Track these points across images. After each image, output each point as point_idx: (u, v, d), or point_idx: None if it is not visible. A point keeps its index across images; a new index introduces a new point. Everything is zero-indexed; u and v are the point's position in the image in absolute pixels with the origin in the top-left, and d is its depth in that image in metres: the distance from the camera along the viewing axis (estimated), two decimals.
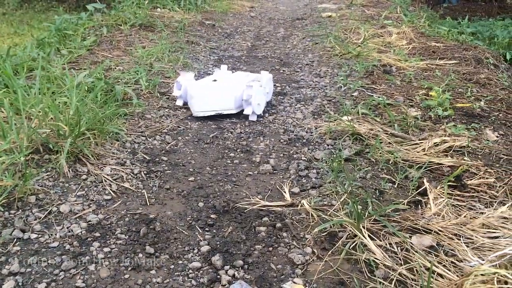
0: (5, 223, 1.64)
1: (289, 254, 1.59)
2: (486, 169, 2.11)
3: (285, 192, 1.98)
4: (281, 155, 2.36)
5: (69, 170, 1.98)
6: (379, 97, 3.07)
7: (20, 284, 1.39)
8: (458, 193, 1.93)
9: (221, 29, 5.44)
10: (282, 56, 4.37)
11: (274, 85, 3.39)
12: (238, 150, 2.40)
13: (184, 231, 1.71)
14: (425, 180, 1.99)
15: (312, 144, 2.47)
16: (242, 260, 1.55)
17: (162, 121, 2.70)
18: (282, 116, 2.87)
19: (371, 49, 4.19)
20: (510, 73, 3.87)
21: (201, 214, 1.82)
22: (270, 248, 1.63)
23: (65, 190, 1.88)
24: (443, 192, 1.90)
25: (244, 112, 2.81)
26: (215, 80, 2.96)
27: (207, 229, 1.73)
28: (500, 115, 2.79)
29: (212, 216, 1.81)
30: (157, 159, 2.26)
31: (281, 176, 2.15)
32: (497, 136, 2.47)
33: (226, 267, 1.51)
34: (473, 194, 1.93)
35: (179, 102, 2.99)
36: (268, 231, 1.72)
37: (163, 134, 2.54)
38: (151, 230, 1.69)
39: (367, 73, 3.60)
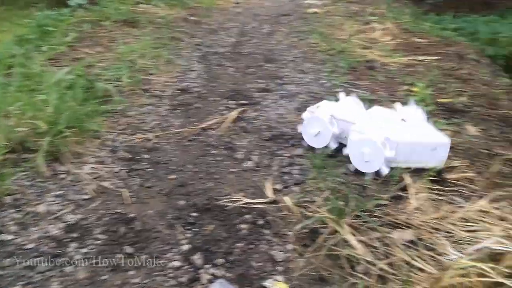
0: None
1: (271, 251, 1.58)
2: (467, 164, 2.12)
3: (267, 189, 1.97)
4: (264, 151, 2.35)
5: (47, 169, 1.95)
6: (363, 93, 3.07)
7: None
8: (438, 187, 1.94)
9: (205, 25, 5.39)
10: (266, 52, 4.34)
11: (258, 81, 3.38)
12: (220, 147, 2.38)
13: (164, 230, 1.69)
14: (406, 175, 1.99)
15: (295, 140, 2.46)
16: (223, 258, 1.54)
17: (144, 119, 2.67)
18: (265, 112, 2.86)
19: (355, 45, 4.19)
20: (491, 68, 3.90)
21: (182, 212, 1.81)
22: (252, 246, 1.62)
23: (43, 190, 1.85)
24: (423, 187, 1.91)
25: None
26: (403, 120, 2.22)
27: (188, 227, 1.72)
28: (481, 110, 2.81)
29: (193, 214, 1.79)
30: (138, 157, 2.23)
31: (263, 173, 2.13)
32: (477, 131, 2.49)
33: (207, 266, 1.50)
34: (453, 188, 1.94)
35: (332, 144, 2.26)
36: (250, 229, 1.71)
37: (144, 131, 2.51)
38: (130, 230, 1.67)
39: (351, 69, 3.60)
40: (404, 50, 4.13)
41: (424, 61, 3.78)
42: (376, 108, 2.33)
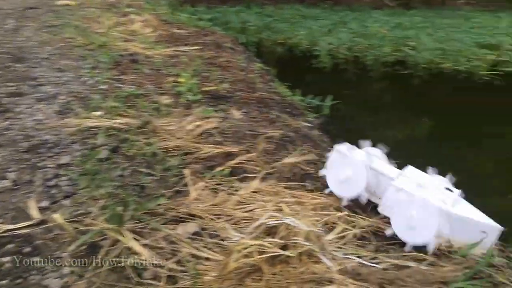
0: None
1: (44, 281, 1.37)
2: (242, 148, 2.25)
3: (31, 209, 1.70)
4: (23, 166, 2.02)
5: None
6: (129, 88, 2.96)
7: None
8: (218, 175, 1.99)
9: None
10: (14, 50, 3.79)
11: (6, 84, 2.92)
12: None
13: None
14: (184, 167, 1.99)
15: (59, 147, 2.19)
16: None
17: None
18: (19, 120, 2.47)
19: (116, 38, 4.02)
20: (245, 55, 4.28)
21: None
22: (19, 280, 1.37)
23: None
24: (201, 176, 1.94)
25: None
26: (449, 190, 1.76)
27: None
28: (242, 94, 3.05)
29: None
30: None
31: (24, 191, 1.83)
32: (241, 114, 2.68)
33: None
34: (231, 172, 2.03)
35: (364, 195, 1.80)
36: (15, 261, 1.44)
37: None
38: None
39: (114, 63, 3.44)
40: (166, 41, 4.17)
41: (186, 52, 3.88)
42: (411, 169, 1.88)
